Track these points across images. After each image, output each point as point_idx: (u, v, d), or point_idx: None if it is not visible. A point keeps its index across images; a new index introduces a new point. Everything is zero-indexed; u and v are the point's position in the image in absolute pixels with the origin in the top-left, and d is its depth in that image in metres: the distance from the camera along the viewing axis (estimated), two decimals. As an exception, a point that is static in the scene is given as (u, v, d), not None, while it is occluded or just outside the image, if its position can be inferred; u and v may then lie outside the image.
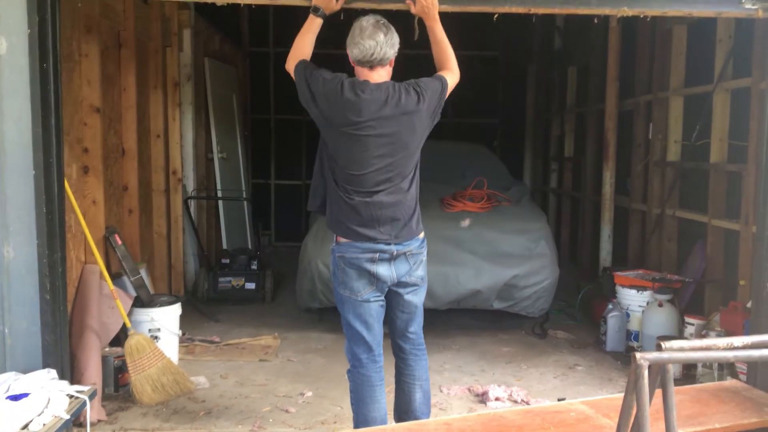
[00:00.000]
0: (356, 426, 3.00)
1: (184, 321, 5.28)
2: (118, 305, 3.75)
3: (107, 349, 3.91)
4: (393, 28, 2.88)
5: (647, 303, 4.72)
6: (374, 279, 2.88)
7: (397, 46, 2.87)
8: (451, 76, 3.02)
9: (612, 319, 4.75)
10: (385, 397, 3.04)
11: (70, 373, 3.41)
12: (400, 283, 2.93)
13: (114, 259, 4.26)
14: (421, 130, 2.88)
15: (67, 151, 3.76)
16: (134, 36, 4.68)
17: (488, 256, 4.72)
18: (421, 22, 3.05)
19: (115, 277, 4.30)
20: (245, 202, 7.74)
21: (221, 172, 6.84)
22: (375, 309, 2.95)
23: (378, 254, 2.85)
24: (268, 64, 9.19)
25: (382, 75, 2.87)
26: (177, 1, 5.22)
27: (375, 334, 2.98)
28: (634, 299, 4.79)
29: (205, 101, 6.65)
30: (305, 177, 9.25)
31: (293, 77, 3.04)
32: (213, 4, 3.26)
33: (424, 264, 3.00)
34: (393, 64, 2.93)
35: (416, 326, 3.09)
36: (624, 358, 4.63)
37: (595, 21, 3.96)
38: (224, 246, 6.71)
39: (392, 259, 2.87)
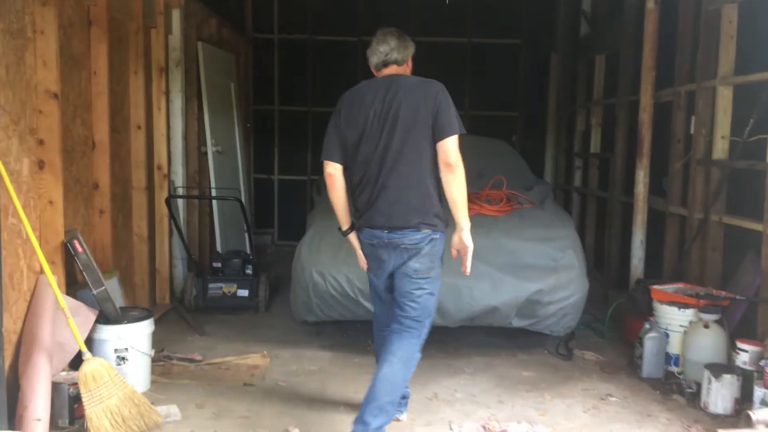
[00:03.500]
0: None
1: (167, 333, 4.77)
2: (70, 324, 3.20)
3: (63, 373, 3.36)
4: (407, 37, 3.26)
5: (690, 323, 4.11)
6: None
7: (410, 50, 3.26)
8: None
9: (649, 342, 4.13)
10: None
11: (11, 406, 2.88)
12: None
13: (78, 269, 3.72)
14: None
15: (17, 144, 3.24)
16: (107, 13, 4.12)
17: (507, 267, 4.12)
18: None
19: (80, 288, 3.76)
20: (244, 198, 7.20)
21: (216, 167, 6.29)
22: None
23: None
24: (272, 51, 8.62)
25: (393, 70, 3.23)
26: (160, -24, 4.68)
27: None
28: (674, 318, 4.17)
29: (198, 89, 6.09)
30: (311, 172, 8.69)
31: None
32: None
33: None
34: (410, 66, 3.30)
35: None
36: (663, 386, 4.01)
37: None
38: (219, 248, 6.16)
39: None
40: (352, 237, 3.25)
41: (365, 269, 3.31)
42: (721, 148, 4.62)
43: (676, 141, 5.26)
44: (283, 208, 8.82)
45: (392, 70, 3.21)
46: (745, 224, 4.27)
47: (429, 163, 3.04)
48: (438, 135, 3.01)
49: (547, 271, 4.13)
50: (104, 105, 4.11)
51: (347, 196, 3.20)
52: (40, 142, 3.42)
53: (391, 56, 3.18)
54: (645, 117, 5.49)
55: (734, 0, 4.45)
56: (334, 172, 3.15)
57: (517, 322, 4.18)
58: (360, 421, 2.94)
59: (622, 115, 6.35)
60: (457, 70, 8.51)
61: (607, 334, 4.94)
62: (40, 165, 3.43)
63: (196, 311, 5.36)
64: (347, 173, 3.18)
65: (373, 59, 3.22)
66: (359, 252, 3.27)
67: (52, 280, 3.20)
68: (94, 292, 3.58)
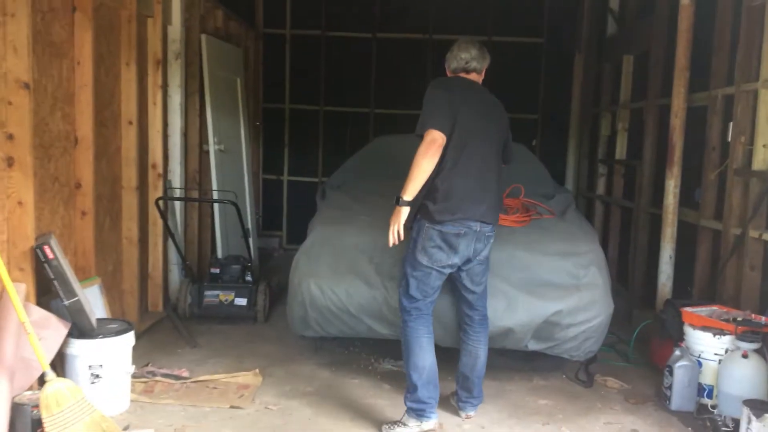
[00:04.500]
0: None
1: (157, 343, 4.47)
2: (30, 340, 2.88)
3: (28, 393, 3.04)
4: (486, 49, 3.54)
5: (726, 351, 3.70)
6: None
7: (487, 61, 3.54)
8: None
9: (680, 371, 3.72)
10: None
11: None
12: None
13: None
14: None
15: (-19, 138, 2.91)
16: (94, -2, 3.81)
17: (524, 284, 3.73)
18: None
19: (55, 298, 3.44)
20: (249, 201, 6.87)
21: (218, 167, 5.95)
22: None
23: None
24: (283, 47, 8.28)
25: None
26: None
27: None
28: (708, 345, 3.76)
29: (201, 84, 5.77)
30: (321, 174, 8.35)
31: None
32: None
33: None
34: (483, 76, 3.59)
35: None
36: (695, 422, 3.61)
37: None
38: (219, 253, 5.83)
39: None
40: (405, 211, 3.21)
41: (393, 243, 3.25)
42: (762, 158, 4.20)
43: (711, 149, 4.84)
44: (293, 210, 8.48)
45: (472, 77, 3.49)
46: (789, 242, 3.86)
47: (500, 171, 3.50)
48: (506, 157, 3.63)
49: (568, 290, 3.74)
50: (89, 98, 3.79)
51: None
52: (9, 137, 3.10)
53: (471, 64, 3.45)
54: (677, 122, 5.07)
55: (781, -6, 4.04)
56: (441, 142, 3.18)
57: (533, 345, 3.79)
58: (475, 395, 3.57)
59: (651, 120, 5.94)
60: (476, 69, 8.10)
61: (632, 357, 4.53)
62: (9, 162, 3.11)
63: (190, 320, 5.04)
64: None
65: (453, 64, 3.50)
66: (401, 228, 3.22)
67: (11, 289, 2.87)
68: (66, 302, 3.25)
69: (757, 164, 4.21)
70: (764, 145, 4.19)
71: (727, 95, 4.64)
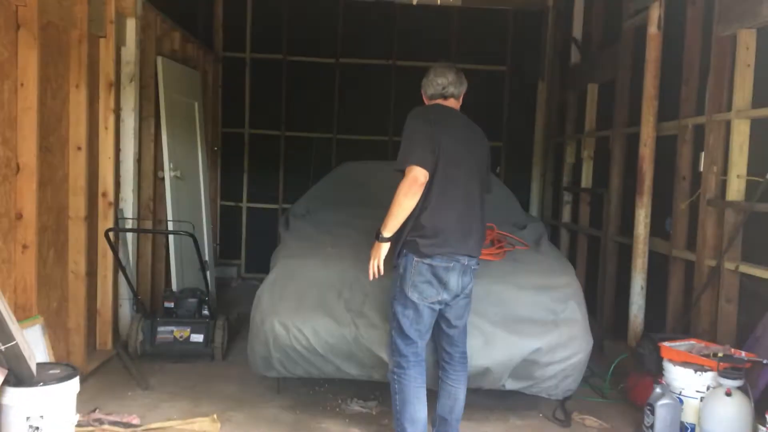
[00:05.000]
0: None
1: (106, 385, 4.15)
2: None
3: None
4: (462, 74, 3.42)
5: (708, 388, 3.58)
6: None
7: (464, 86, 3.42)
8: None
9: (662, 409, 3.57)
10: None
11: None
12: None
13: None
14: None
15: None
16: (41, 16, 3.54)
17: (501, 321, 3.56)
18: None
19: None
20: (206, 230, 6.58)
21: (173, 194, 5.67)
22: None
23: None
24: (243, 71, 8.05)
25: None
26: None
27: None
28: (690, 382, 3.64)
29: (156, 108, 5.49)
30: (282, 200, 8.10)
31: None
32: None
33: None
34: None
35: None
36: (678, 463, 3.46)
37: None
38: (174, 286, 5.51)
39: None
40: (385, 247, 3.13)
41: (374, 277, 3.18)
42: (736, 189, 4.14)
43: (681, 178, 4.79)
44: (252, 238, 8.19)
45: (450, 103, 3.38)
46: (767, 275, 3.78)
47: (484, 202, 3.36)
48: (488, 186, 3.46)
49: (546, 326, 3.57)
50: (32, 122, 3.50)
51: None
52: (-60, 165, 2.81)
53: (448, 90, 3.34)
54: (646, 151, 5.02)
55: (751, 25, 4.01)
56: (423, 180, 3.04)
57: (510, 385, 3.61)
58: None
59: (617, 148, 5.90)
60: (440, 96, 8.01)
61: (607, 392, 4.39)
62: (-62, 192, 2.81)
63: (142, 358, 4.71)
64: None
65: (430, 90, 3.37)
66: (380, 263, 3.15)
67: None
68: (2, 348, 2.93)
69: (731, 195, 4.15)
70: (738, 176, 4.14)
71: (698, 125, 4.60)
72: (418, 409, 3.18)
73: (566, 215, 7.28)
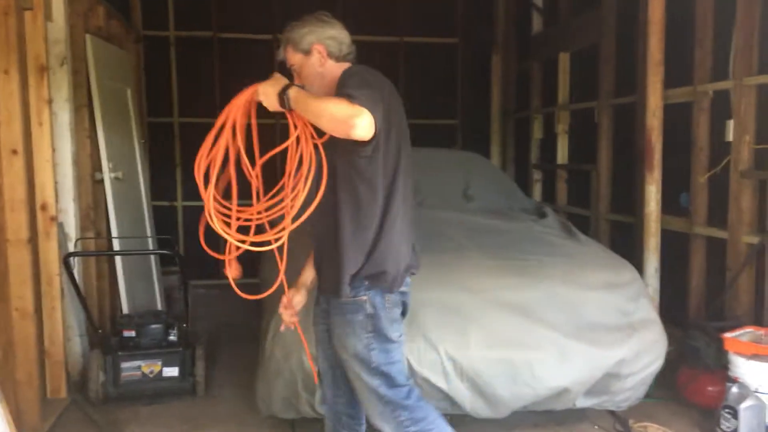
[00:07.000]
0: None
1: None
2: None
3: None
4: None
5: (788, 383, 3.23)
6: None
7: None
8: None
9: (747, 412, 3.19)
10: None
11: None
12: None
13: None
14: None
15: None
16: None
17: (575, 330, 3.03)
18: None
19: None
20: (152, 238, 5.67)
21: (115, 200, 4.75)
22: None
23: None
24: (167, 52, 7.07)
25: None
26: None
27: None
28: (766, 378, 3.28)
29: (89, 97, 4.55)
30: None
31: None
32: None
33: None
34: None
35: None
36: (771, 472, 3.10)
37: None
38: (124, 308, 4.63)
39: None
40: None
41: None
42: (778, 158, 3.83)
43: (698, 149, 4.45)
44: (191, 241, 7.26)
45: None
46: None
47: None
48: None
49: (623, 331, 3.09)
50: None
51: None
52: None
53: (351, 48, 2.55)
54: (655, 122, 4.62)
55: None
56: (364, 135, 2.12)
57: (582, 402, 3.11)
58: None
59: (605, 121, 5.53)
60: (390, 72, 7.34)
61: (651, 390, 3.99)
62: None
63: (107, 403, 3.86)
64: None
65: (340, 48, 2.50)
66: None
67: None
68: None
69: (773, 165, 3.83)
70: (781, 144, 3.82)
71: (719, 90, 4.25)
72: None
73: (537, 193, 6.89)
